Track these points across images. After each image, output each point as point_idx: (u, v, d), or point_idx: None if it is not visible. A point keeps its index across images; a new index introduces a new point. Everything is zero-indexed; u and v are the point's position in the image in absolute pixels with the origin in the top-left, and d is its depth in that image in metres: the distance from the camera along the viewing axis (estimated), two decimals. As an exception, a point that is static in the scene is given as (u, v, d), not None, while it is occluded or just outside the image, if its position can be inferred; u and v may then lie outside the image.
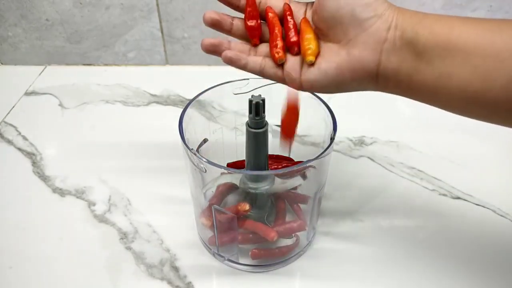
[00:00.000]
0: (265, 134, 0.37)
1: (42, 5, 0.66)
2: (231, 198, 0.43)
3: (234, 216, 0.37)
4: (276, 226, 0.40)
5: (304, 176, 0.36)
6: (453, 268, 0.41)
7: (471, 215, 0.47)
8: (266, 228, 0.39)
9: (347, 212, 0.47)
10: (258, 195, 0.40)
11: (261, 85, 0.39)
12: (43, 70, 0.72)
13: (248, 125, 0.36)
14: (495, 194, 0.48)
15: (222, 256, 0.41)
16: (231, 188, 0.42)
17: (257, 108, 0.35)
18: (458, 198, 0.48)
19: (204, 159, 0.33)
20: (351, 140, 0.57)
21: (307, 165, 0.34)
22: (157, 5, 0.66)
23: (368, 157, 0.54)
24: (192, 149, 0.34)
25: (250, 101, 0.35)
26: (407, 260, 0.42)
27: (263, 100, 0.35)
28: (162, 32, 0.69)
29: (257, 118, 0.35)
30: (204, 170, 0.35)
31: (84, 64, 0.73)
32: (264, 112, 0.35)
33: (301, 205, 0.43)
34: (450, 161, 0.53)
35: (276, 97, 0.38)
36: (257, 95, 0.35)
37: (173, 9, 0.66)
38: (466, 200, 0.48)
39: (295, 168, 0.34)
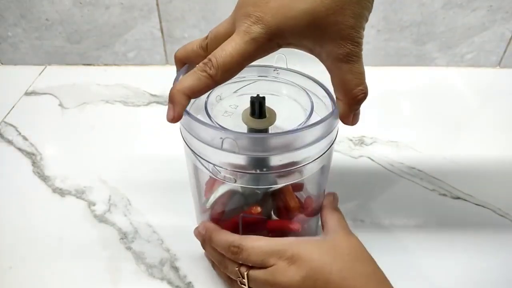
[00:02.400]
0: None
1: (42, 5, 0.66)
2: (232, 202, 0.43)
3: (263, 219, 0.37)
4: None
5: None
6: (453, 268, 0.41)
7: (471, 215, 0.47)
8: (289, 222, 0.38)
9: (347, 212, 0.46)
10: (260, 194, 0.39)
11: (253, 80, 0.39)
12: (43, 70, 0.72)
13: None
14: (495, 194, 0.48)
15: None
16: (234, 193, 0.42)
17: (260, 107, 0.34)
18: (458, 198, 0.48)
19: (218, 166, 0.33)
20: (351, 140, 0.57)
21: (307, 162, 0.34)
22: (157, 5, 0.66)
23: (368, 157, 0.54)
24: (197, 154, 0.34)
25: (253, 102, 0.35)
26: (407, 260, 0.42)
27: (264, 98, 0.35)
28: (162, 32, 0.69)
29: (261, 117, 0.35)
30: (218, 172, 0.34)
31: (84, 64, 0.73)
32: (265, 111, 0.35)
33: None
34: (450, 161, 0.53)
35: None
36: (256, 95, 0.35)
37: (173, 9, 0.66)
38: (466, 200, 0.48)
39: (296, 167, 0.34)
